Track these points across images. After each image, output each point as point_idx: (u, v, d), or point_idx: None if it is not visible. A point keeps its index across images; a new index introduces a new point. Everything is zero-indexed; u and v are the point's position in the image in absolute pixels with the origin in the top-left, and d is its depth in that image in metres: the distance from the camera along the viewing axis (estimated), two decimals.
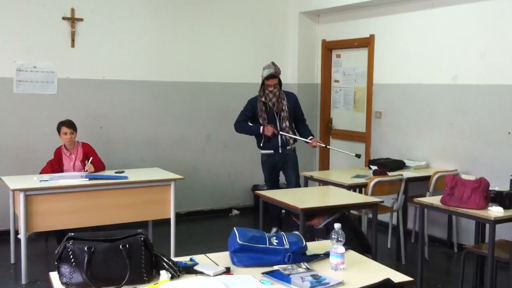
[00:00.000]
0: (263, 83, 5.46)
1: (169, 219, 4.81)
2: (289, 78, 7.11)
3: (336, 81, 7.13)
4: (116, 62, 6.13)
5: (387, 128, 6.22)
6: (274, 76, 5.42)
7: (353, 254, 2.71)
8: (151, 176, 4.84)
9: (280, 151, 5.52)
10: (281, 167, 5.63)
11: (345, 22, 6.78)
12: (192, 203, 6.56)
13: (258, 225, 4.49)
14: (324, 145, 5.87)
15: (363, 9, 6.40)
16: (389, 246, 5.49)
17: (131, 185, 4.65)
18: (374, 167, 5.36)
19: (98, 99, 6.05)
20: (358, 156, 5.57)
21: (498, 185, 4.14)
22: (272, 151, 5.53)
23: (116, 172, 4.94)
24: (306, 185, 5.35)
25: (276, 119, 5.47)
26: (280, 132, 5.44)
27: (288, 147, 5.54)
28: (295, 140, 5.61)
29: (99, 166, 4.98)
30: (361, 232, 3.92)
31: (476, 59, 5.24)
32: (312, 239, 3.58)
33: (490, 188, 3.83)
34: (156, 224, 5.21)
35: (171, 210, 4.76)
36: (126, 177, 4.71)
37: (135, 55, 6.21)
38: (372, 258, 3.62)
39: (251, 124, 5.54)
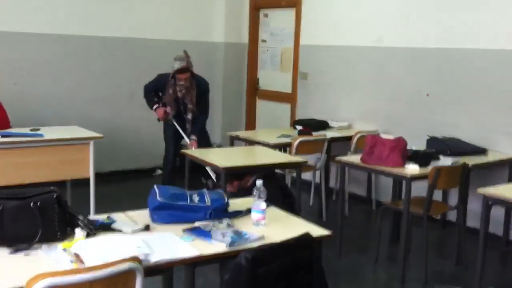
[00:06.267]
0: (174, 74, 5.09)
1: (88, 179, 4.65)
2: (216, 37, 6.97)
3: (264, 41, 7.07)
4: (31, 13, 5.72)
5: (312, 89, 6.27)
6: (186, 69, 5.05)
7: (275, 211, 2.73)
8: (68, 134, 4.62)
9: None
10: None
11: None
12: (114, 163, 6.35)
13: (184, 185, 4.43)
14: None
15: None
16: (311, 203, 5.61)
17: (47, 143, 4.42)
18: (299, 127, 5.42)
19: (12, 53, 5.67)
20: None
21: (415, 145, 4.29)
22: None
23: (31, 130, 4.68)
24: (232, 145, 5.32)
25: (181, 108, 5.23)
26: (171, 120, 5.25)
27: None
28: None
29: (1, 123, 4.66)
30: (289, 192, 3.95)
31: (400, 22, 5.35)
32: None
33: (407, 148, 3.97)
34: (75, 185, 5.00)
35: (90, 169, 4.58)
36: (42, 135, 4.48)
37: (51, 6, 5.82)
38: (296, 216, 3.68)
39: (155, 99, 5.31)
